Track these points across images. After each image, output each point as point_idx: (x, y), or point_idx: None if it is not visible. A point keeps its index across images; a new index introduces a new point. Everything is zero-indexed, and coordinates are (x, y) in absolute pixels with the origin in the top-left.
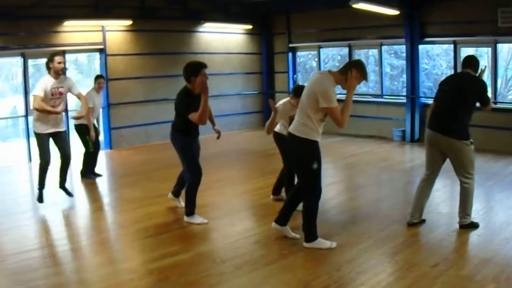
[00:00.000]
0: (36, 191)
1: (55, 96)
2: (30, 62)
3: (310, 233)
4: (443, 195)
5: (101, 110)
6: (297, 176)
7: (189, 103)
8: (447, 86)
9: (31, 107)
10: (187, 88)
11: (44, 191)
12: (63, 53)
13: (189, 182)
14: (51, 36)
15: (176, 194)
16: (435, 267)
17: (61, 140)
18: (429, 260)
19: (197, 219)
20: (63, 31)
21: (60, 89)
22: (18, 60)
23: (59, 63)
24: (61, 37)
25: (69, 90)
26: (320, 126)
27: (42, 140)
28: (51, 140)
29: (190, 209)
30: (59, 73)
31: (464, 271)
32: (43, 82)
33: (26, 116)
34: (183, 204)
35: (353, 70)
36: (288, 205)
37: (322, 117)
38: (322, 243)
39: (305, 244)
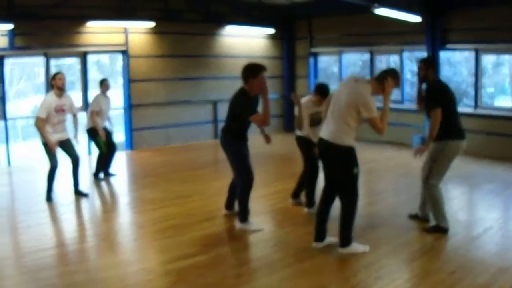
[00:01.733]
0: (46, 194)
1: (59, 113)
2: (53, 62)
3: (348, 238)
4: (461, 203)
5: (109, 112)
6: (327, 182)
7: (248, 104)
8: (452, 94)
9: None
10: (243, 88)
11: (61, 190)
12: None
13: (242, 187)
14: (74, 37)
15: (231, 206)
16: (451, 275)
17: (68, 146)
18: (446, 267)
19: (251, 225)
20: (86, 32)
21: (63, 107)
22: (41, 60)
23: (60, 79)
24: (84, 38)
25: (69, 108)
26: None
27: (48, 147)
28: (58, 148)
29: (244, 215)
30: (61, 88)
31: (480, 279)
32: (47, 102)
33: None
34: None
35: (389, 79)
36: (322, 219)
37: (358, 123)
38: (357, 247)
39: (341, 250)
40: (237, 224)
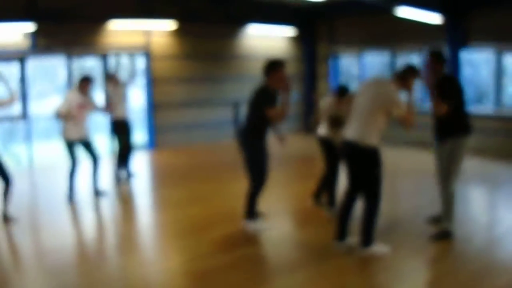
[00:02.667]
0: (67, 193)
1: (81, 109)
2: (74, 62)
3: (370, 238)
4: (481, 204)
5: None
6: (350, 182)
7: (268, 98)
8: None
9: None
10: (264, 84)
11: (82, 190)
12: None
13: (254, 188)
14: (95, 38)
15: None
16: (472, 276)
17: (89, 146)
18: (466, 268)
19: (258, 225)
20: (107, 33)
21: (85, 104)
22: (62, 61)
23: (86, 86)
24: (105, 39)
25: (92, 104)
26: None
27: (70, 146)
28: (80, 147)
29: (251, 215)
30: (85, 93)
31: (501, 280)
32: (68, 98)
33: None
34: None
35: (412, 77)
36: (344, 218)
37: (386, 123)
38: (377, 248)
39: (362, 249)
40: (243, 224)
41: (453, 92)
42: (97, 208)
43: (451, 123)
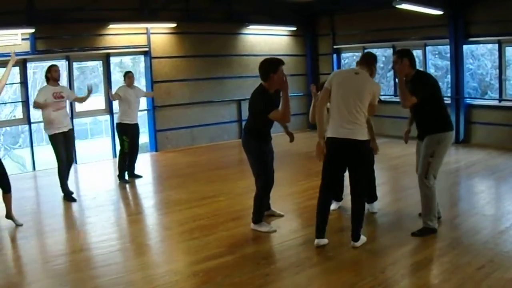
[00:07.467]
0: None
1: (58, 100)
2: (75, 65)
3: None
4: (488, 197)
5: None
6: (357, 179)
7: (268, 101)
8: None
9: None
10: (262, 86)
11: (86, 193)
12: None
13: (260, 189)
14: (95, 39)
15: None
16: (480, 270)
17: (68, 141)
18: (474, 262)
19: (264, 227)
20: (107, 34)
21: (61, 93)
22: (63, 63)
23: (55, 71)
24: (106, 40)
25: (68, 96)
26: None
27: (56, 141)
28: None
29: (258, 217)
30: (56, 79)
31: (509, 274)
32: (42, 91)
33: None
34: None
35: (375, 64)
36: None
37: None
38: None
39: (357, 244)
40: (251, 226)
41: (422, 88)
42: (101, 212)
43: (428, 121)
